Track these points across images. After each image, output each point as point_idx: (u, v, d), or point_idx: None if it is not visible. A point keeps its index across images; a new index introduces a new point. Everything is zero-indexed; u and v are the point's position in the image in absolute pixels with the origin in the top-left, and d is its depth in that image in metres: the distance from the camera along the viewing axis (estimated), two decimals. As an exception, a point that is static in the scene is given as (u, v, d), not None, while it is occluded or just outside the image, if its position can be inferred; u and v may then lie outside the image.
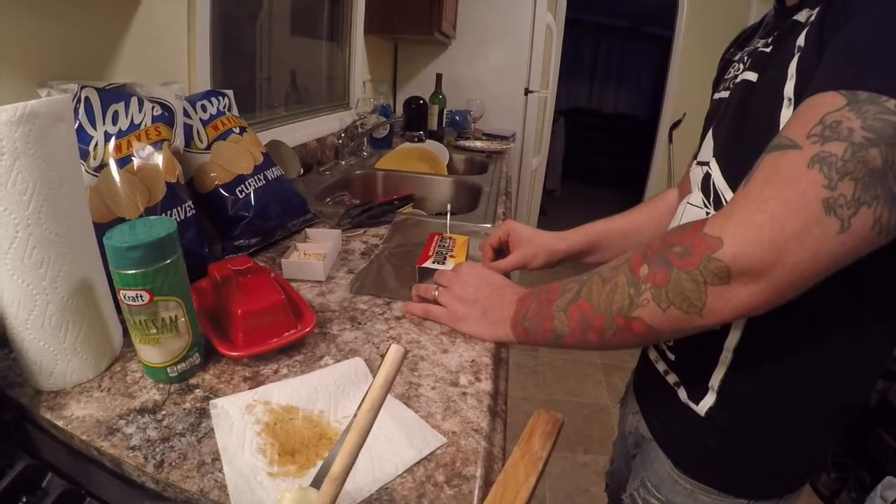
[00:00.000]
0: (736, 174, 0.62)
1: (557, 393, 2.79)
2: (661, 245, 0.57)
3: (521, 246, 1.02)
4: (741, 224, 0.51)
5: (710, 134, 0.73)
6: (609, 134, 7.76)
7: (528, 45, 3.28)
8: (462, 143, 2.76)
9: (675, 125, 4.35)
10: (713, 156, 0.69)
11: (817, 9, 0.57)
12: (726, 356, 0.66)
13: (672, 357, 0.76)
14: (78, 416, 0.61)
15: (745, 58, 0.70)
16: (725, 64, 0.81)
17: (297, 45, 2.24)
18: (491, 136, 3.02)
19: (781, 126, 0.56)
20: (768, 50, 0.64)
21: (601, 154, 7.71)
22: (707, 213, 0.67)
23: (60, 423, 0.61)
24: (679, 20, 4.13)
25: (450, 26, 2.96)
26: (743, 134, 0.64)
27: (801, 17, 0.60)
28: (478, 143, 2.76)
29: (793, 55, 0.58)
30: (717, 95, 0.77)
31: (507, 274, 1.08)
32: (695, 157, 0.80)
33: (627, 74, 7.88)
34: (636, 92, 7.86)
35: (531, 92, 3.37)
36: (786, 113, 0.57)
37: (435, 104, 2.79)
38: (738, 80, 0.68)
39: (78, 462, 0.60)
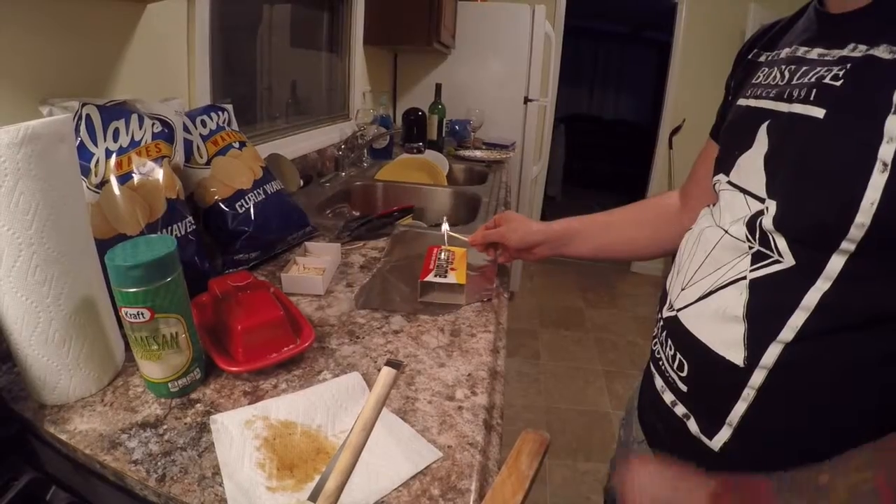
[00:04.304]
0: (799, 222, 0.57)
1: (559, 401, 2.79)
2: None
3: (504, 223, 1.10)
4: None
5: (759, 163, 0.64)
6: (609, 140, 7.75)
7: (527, 54, 3.30)
8: (462, 152, 2.76)
9: (675, 131, 4.35)
10: (767, 194, 0.61)
11: None
12: (749, 393, 0.62)
13: (684, 388, 0.71)
14: (81, 430, 0.62)
15: (786, 73, 0.64)
16: (749, 66, 0.75)
17: (296, 56, 2.25)
18: (491, 146, 3.03)
19: (870, 190, 0.50)
20: (838, 84, 0.55)
21: (601, 160, 7.71)
22: (750, 248, 0.62)
23: (64, 437, 0.62)
24: (678, 26, 4.14)
25: (449, 36, 2.98)
26: (809, 178, 0.56)
27: (882, 53, 0.52)
28: (477, 153, 2.77)
29: (887, 110, 0.50)
30: (744, 102, 0.70)
31: (494, 247, 1.14)
32: (716, 166, 0.74)
33: (627, 80, 7.88)
34: (636, 98, 7.85)
35: (531, 100, 3.39)
36: (878, 178, 0.50)
37: (434, 114, 2.80)
38: (795, 112, 0.59)
39: (81, 475, 0.61)
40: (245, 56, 1.86)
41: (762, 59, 0.73)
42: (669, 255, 0.89)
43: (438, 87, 2.91)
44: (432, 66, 3.37)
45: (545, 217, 5.10)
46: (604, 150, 7.71)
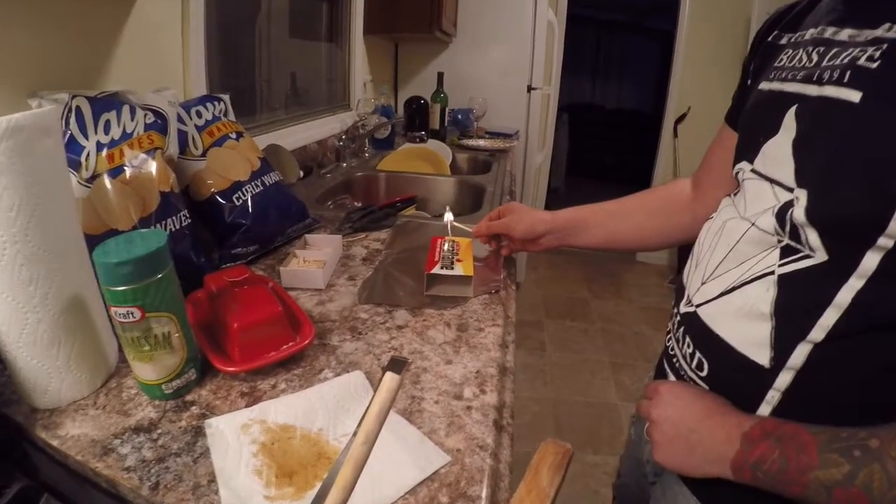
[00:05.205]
0: (832, 214, 0.53)
1: (565, 392, 2.77)
2: None
3: (509, 214, 1.08)
4: None
5: (786, 150, 0.60)
6: (613, 130, 7.70)
7: (530, 42, 3.26)
8: (465, 142, 2.73)
9: (680, 119, 4.30)
10: (796, 183, 0.58)
11: None
12: (774, 396, 0.59)
13: (706, 388, 0.67)
14: (73, 436, 0.60)
15: (813, 55, 0.60)
16: (770, 48, 0.71)
17: (296, 46, 2.22)
18: (494, 135, 3.00)
19: None
20: (874, 66, 0.52)
21: (605, 150, 7.66)
22: (779, 241, 0.59)
23: (55, 443, 0.59)
24: (681, 13, 4.09)
25: (450, 24, 2.94)
26: (844, 167, 0.53)
27: None
28: (481, 142, 2.74)
29: None
30: (767, 86, 0.67)
31: (497, 239, 1.11)
32: (738, 153, 0.70)
33: (630, 69, 7.82)
34: (639, 87, 7.80)
35: (534, 89, 3.35)
36: None
37: (437, 103, 2.77)
38: (827, 96, 0.56)
39: (75, 482, 0.59)
40: (244, 47, 1.83)
41: (784, 41, 0.69)
42: (679, 246, 0.86)
43: (440, 76, 2.88)
44: (434, 55, 3.33)
45: (549, 209, 5.00)
46: (607, 139, 7.67)
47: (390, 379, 0.37)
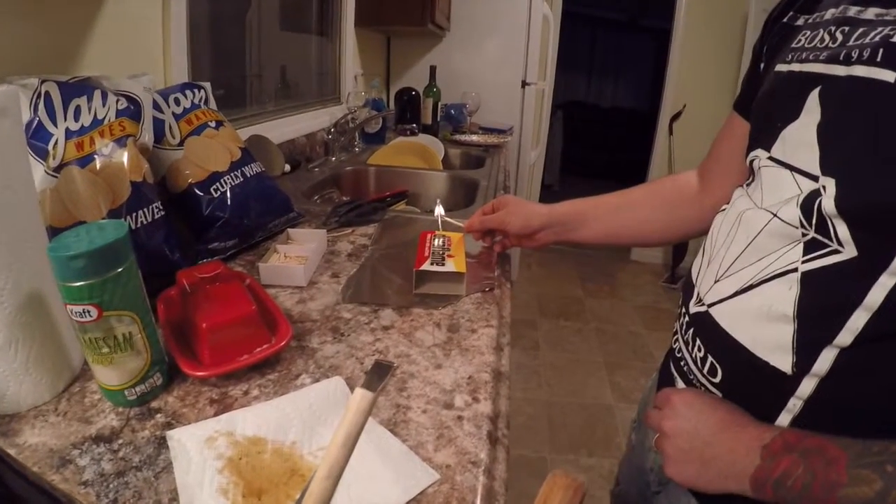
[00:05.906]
0: (864, 205, 0.50)
1: (559, 393, 2.73)
2: None
3: (503, 208, 1.03)
4: None
5: (809, 136, 0.56)
6: (608, 127, 7.71)
7: (525, 36, 3.21)
8: (458, 137, 2.69)
9: (676, 117, 4.29)
10: (822, 171, 0.54)
11: None
12: (795, 404, 0.55)
13: (719, 395, 0.64)
14: (31, 444, 0.56)
15: (837, 35, 0.57)
16: (785, 29, 0.68)
17: (286, 40, 2.19)
18: (487, 130, 2.95)
19: None
20: None
21: (600, 148, 7.66)
22: (804, 235, 0.55)
23: (12, 452, 0.55)
24: (678, 9, 4.07)
25: (444, 17, 2.90)
26: (879, 152, 0.50)
27: None
28: (474, 137, 2.69)
29: None
30: (785, 67, 0.63)
31: (490, 234, 1.07)
32: (752, 140, 0.66)
33: (625, 67, 7.84)
34: (634, 85, 7.81)
35: (528, 84, 3.31)
36: None
37: (429, 97, 2.72)
38: (857, 76, 0.52)
39: (35, 493, 0.54)
40: (233, 40, 1.80)
41: (800, 22, 0.65)
42: (684, 241, 0.81)
43: (433, 70, 2.84)
44: (427, 49, 3.28)
45: (543, 205, 5.01)
46: (602, 137, 7.67)
47: (361, 398, 0.32)
